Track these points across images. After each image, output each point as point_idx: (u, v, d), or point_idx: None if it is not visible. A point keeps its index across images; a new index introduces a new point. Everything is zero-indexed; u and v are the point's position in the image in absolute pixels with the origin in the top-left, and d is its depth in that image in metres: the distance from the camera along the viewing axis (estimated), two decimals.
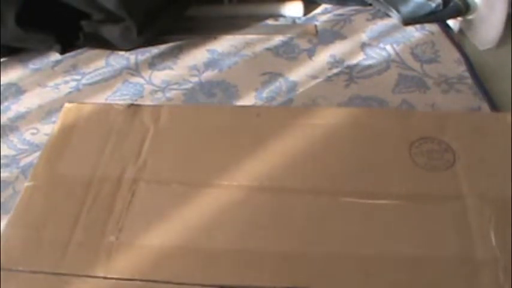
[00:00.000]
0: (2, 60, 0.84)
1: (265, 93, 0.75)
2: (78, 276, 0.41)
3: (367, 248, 0.41)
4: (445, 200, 0.44)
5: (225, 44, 0.85)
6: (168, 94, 0.76)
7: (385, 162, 0.47)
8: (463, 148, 0.48)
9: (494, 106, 0.70)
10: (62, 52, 0.84)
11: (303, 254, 0.42)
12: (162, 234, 0.43)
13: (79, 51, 0.85)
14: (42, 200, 0.47)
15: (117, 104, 0.56)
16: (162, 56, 0.83)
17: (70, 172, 0.49)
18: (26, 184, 0.49)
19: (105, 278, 0.41)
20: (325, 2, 0.92)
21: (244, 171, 0.48)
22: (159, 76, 0.79)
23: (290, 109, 0.65)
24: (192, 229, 0.44)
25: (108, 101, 0.75)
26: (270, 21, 0.90)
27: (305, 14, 0.90)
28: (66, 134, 0.53)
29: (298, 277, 0.40)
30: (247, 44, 0.84)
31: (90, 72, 0.80)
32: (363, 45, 0.82)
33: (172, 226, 0.44)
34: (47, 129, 0.71)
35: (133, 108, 0.54)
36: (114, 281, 0.41)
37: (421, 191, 0.45)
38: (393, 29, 0.85)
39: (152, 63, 0.81)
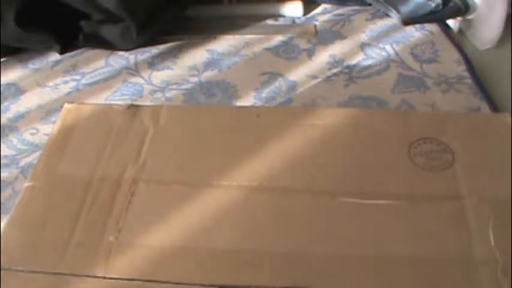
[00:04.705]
0: (1, 60, 0.84)
1: (265, 93, 0.75)
2: (78, 276, 0.42)
3: (366, 248, 0.42)
4: (444, 200, 0.44)
5: (224, 44, 0.85)
6: (168, 94, 0.76)
7: (384, 162, 0.47)
8: (462, 148, 0.48)
9: (494, 106, 0.70)
10: (62, 52, 0.84)
11: (302, 254, 0.42)
12: (162, 235, 0.44)
13: (79, 51, 0.85)
14: (42, 200, 0.47)
15: (116, 105, 0.56)
16: (161, 56, 0.83)
17: (70, 172, 0.49)
18: (26, 184, 0.49)
19: (104, 277, 0.41)
20: (325, 2, 0.92)
21: (243, 172, 0.48)
22: (159, 76, 0.79)
23: (289, 109, 0.65)
24: (192, 229, 0.44)
25: (107, 101, 0.75)
26: (270, 21, 0.90)
27: (305, 13, 0.90)
28: (66, 135, 0.53)
29: (297, 277, 0.40)
30: (247, 44, 0.84)
31: (89, 72, 0.80)
32: (363, 45, 0.82)
33: (172, 226, 0.44)
34: (46, 129, 0.71)
35: (133, 108, 0.54)
36: (113, 280, 0.41)
37: (420, 191, 0.45)
38: (393, 29, 0.85)
39: (152, 63, 0.81)
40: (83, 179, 0.48)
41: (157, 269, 0.42)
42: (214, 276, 0.41)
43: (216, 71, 0.79)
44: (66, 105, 0.56)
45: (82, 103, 0.58)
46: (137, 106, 0.55)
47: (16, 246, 0.44)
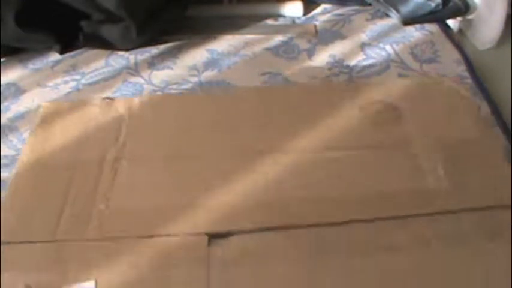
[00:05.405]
0: (1, 60, 0.84)
1: None
2: (73, 240, 0.46)
3: (334, 191, 0.49)
4: (396, 146, 0.52)
5: (224, 43, 0.85)
6: None
7: (341, 122, 0.55)
8: (407, 107, 0.56)
9: (494, 106, 0.70)
10: (62, 52, 0.84)
11: (281, 200, 0.49)
12: (146, 199, 0.49)
13: (79, 51, 0.85)
14: (32, 182, 0.51)
15: (92, 99, 0.62)
16: (161, 56, 0.83)
17: (55, 159, 0.54)
18: (14, 171, 0.53)
19: (96, 239, 0.46)
20: (325, 2, 0.92)
21: (211, 144, 0.55)
22: (159, 76, 0.79)
23: (254, 89, 0.70)
24: (173, 191, 0.50)
25: None
26: (270, 21, 0.90)
27: (304, 13, 0.90)
28: (46, 131, 0.57)
29: (275, 219, 0.47)
30: (247, 44, 0.84)
31: (89, 72, 0.80)
32: (363, 45, 0.82)
33: (154, 191, 0.50)
34: None
35: (107, 101, 0.60)
36: (107, 242, 0.46)
37: (374, 142, 0.53)
38: (393, 29, 0.85)
39: (152, 63, 0.81)
40: (68, 163, 0.53)
41: (146, 226, 0.47)
42: (197, 226, 0.46)
43: (216, 70, 0.79)
44: (44, 104, 0.63)
45: (59, 102, 0.64)
46: (111, 99, 0.61)
47: (13, 223, 0.48)
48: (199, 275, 0.42)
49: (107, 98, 0.60)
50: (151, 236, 0.45)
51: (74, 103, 0.63)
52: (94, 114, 0.58)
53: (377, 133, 0.53)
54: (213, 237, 0.44)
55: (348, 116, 0.55)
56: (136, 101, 0.61)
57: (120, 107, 0.59)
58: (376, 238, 0.44)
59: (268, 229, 0.45)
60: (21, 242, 0.46)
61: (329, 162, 0.51)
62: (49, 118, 0.59)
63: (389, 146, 0.52)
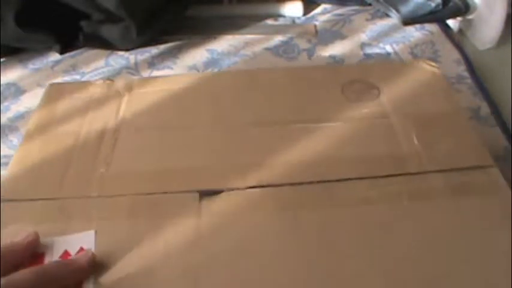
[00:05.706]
0: (1, 60, 0.84)
1: None
2: (75, 198, 0.49)
3: (322, 154, 0.53)
4: (374, 119, 0.56)
5: (224, 43, 0.85)
6: None
7: (324, 99, 0.59)
8: (385, 85, 0.60)
9: (494, 106, 0.70)
10: (62, 52, 0.84)
11: (266, 163, 0.52)
12: (144, 163, 0.53)
13: (78, 51, 0.85)
14: (37, 150, 0.55)
15: (94, 80, 0.69)
16: (161, 56, 0.83)
17: (59, 129, 0.57)
18: (21, 143, 0.56)
19: (99, 196, 0.49)
20: (325, 2, 0.92)
21: (203, 115, 0.58)
22: (159, 76, 0.79)
23: (241, 72, 0.74)
24: (170, 155, 0.54)
25: None
26: (270, 21, 0.90)
27: (305, 14, 0.90)
28: (51, 107, 0.61)
29: (263, 178, 0.50)
30: (247, 44, 0.84)
31: (89, 72, 0.81)
32: (363, 45, 0.82)
33: (153, 156, 0.53)
34: None
35: (109, 82, 0.64)
36: (107, 198, 0.49)
37: (354, 115, 0.57)
38: (393, 28, 0.85)
39: (152, 63, 0.82)
40: (71, 133, 0.56)
41: (144, 185, 0.50)
42: (192, 184, 0.49)
43: (216, 70, 0.79)
44: (50, 84, 0.66)
45: (63, 82, 0.70)
46: (111, 80, 0.65)
47: (16, 182, 0.51)
48: (190, 224, 0.46)
49: (108, 79, 0.65)
50: (147, 194, 0.49)
51: (76, 83, 0.70)
52: (96, 92, 0.63)
53: (357, 108, 0.58)
54: (204, 193, 0.48)
55: (330, 93, 0.60)
56: (136, 81, 0.65)
57: (120, 87, 0.63)
58: (354, 194, 0.48)
59: (256, 187, 0.49)
60: (23, 200, 0.49)
61: (313, 132, 0.55)
62: (54, 95, 0.63)
63: (368, 118, 0.56)
